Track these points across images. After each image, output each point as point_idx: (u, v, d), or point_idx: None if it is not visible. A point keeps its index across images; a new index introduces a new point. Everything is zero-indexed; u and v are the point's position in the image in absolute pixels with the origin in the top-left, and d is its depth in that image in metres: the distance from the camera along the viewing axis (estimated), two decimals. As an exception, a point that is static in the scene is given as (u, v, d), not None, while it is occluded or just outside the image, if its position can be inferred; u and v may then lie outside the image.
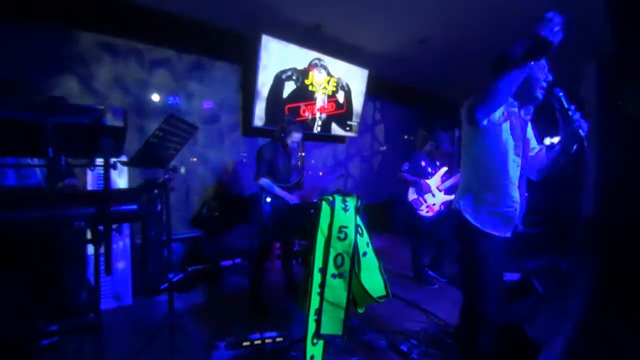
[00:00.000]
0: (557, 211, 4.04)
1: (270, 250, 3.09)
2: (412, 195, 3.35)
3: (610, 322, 2.72)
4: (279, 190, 2.66)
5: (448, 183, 3.31)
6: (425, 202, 3.28)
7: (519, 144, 1.49)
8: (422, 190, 3.29)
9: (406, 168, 3.37)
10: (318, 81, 4.37)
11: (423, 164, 3.37)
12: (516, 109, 1.52)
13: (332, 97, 4.63)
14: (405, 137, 6.60)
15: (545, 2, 3.19)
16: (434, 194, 3.30)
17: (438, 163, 3.45)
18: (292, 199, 2.69)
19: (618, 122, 1.38)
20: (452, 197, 3.20)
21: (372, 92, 5.35)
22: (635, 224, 1.34)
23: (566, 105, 1.41)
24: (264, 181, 2.62)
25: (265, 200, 2.64)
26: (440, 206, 3.31)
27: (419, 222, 3.34)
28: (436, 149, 3.37)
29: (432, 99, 6.67)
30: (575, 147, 1.47)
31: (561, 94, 1.42)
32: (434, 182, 3.31)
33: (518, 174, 1.50)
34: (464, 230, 1.53)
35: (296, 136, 2.77)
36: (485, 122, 1.39)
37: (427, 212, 3.29)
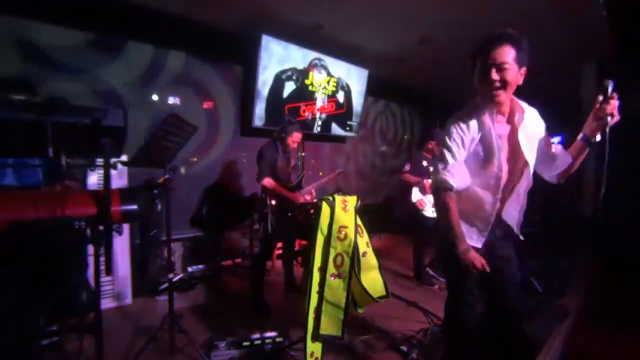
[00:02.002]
0: (557, 211, 4.04)
1: (272, 251, 3.08)
2: (415, 196, 3.32)
3: (610, 321, 2.73)
4: (282, 190, 2.66)
5: None
6: (430, 202, 3.27)
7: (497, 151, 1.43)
8: (426, 191, 3.27)
9: (407, 169, 3.34)
10: (318, 81, 4.37)
11: (425, 163, 3.35)
12: (485, 114, 1.44)
13: (332, 97, 4.63)
14: (406, 137, 6.60)
15: (543, 2, 3.21)
16: None
17: None
18: (296, 198, 2.69)
19: (618, 122, 1.36)
20: None
21: (372, 92, 5.35)
22: (635, 224, 1.34)
23: (610, 94, 1.32)
24: (268, 181, 2.63)
25: (269, 201, 2.64)
26: None
27: (423, 223, 3.32)
28: (437, 146, 3.34)
29: (432, 99, 6.67)
30: (596, 138, 1.39)
31: (611, 84, 1.32)
32: None
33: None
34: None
35: (297, 136, 2.78)
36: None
37: (432, 212, 3.27)
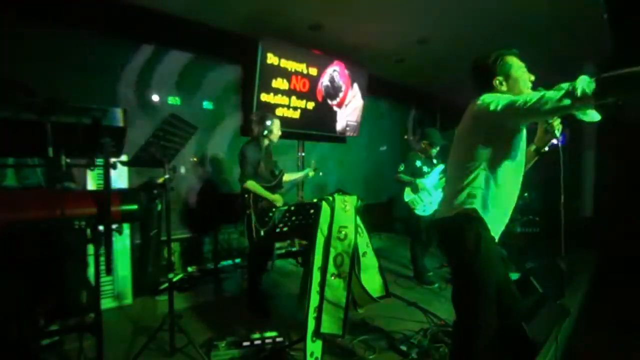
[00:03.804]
0: (556, 211, 4.04)
1: (267, 250, 2.97)
2: (408, 195, 3.36)
3: (610, 320, 2.73)
4: (265, 194, 2.63)
5: (444, 181, 3.27)
6: (422, 201, 3.31)
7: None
8: (418, 190, 3.30)
9: (402, 169, 3.39)
10: (318, 81, 4.37)
11: (418, 164, 3.38)
12: None
13: (332, 96, 4.63)
14: (405, 137, 6.60)
15: (541, 3, 3.21)
16: (430, 193, 3.32)
17: (435, 161, 3.46)
18: (276, 201, 2.67)
19: (618, 123, 1.38)
20: None
21: (372, 92, 5.35)
22: (634, 223, 1.34)
23: None
24: (251, 184, 2.58)
25: (252, 202, 2.61)
26: (438, 204, 3.30)
27: (417, 221, 3.35)
28: (430, 145, 3.37)
29: (432, 99, 6.67)
30: (546, 148, 1.53)
31: None
32: (429, 181, 3.33)
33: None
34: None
35: (278, 126, 2.73)
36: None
37: (424, 211, 3.31)
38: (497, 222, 1.47)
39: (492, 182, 1.43)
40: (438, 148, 3.39)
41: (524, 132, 1.46)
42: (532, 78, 1.47)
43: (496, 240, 1.49)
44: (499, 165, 1.43)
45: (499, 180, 1.44)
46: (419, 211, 3.31)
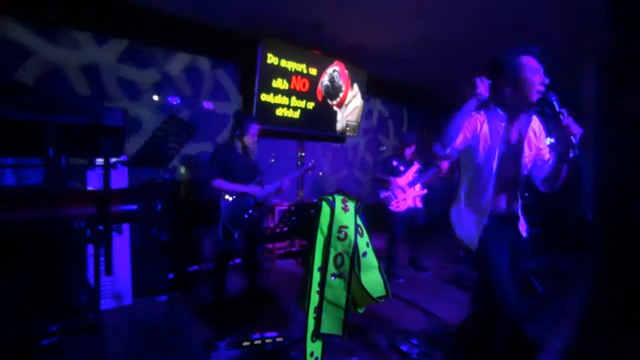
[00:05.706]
0: (557, 211, 4.05)
1: (230, 255, 2.85)
2: (383, 192, 3.56)
3: (610, 321, 2.73)
4: (238, 187, 2.58)
5: (414, 178, 3.57)
6: (396, 197, 3.47)
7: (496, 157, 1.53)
8: (392, 187, 3.49)
9: (379, 169, 3.68)
10: (318, 81, 4.37)
11: (394, 163, 3.60)
12: (503, 123, 1.52)
13: (332, 96, 4.63)
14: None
15: (543, 3, 3.21)
16: (404, 190, 3.49)
17: (415, 162, 3.67)
18: (256, 191, 2.63)
19: (618, 122, 1.37)
20: (423, 192, 3.57)
21: (372, 92, 5.35)
22: (635, 224, 1.34)
23: (557, 110, 1.34)
24: (219, 182, 2.55)
25: (223, 199, 2.57)
26: (412, 201, 3.55)
27: (391, 217, 3.51)
28: (403, 146, 3.65)
29: (432, 99, 6.67)
30: (570, 154, 1.39)
31: (553, 98, 1.36)
32: (404, 179, 3.53)
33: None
34: None
35: (254, 130, 2.70)
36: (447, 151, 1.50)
37: (397, 207, 3.48)
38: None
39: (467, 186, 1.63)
40: (413, 148, 3.65)
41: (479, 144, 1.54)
42: (546, 81, 1.41)
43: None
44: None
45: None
46: (393, 207, 3.48)
